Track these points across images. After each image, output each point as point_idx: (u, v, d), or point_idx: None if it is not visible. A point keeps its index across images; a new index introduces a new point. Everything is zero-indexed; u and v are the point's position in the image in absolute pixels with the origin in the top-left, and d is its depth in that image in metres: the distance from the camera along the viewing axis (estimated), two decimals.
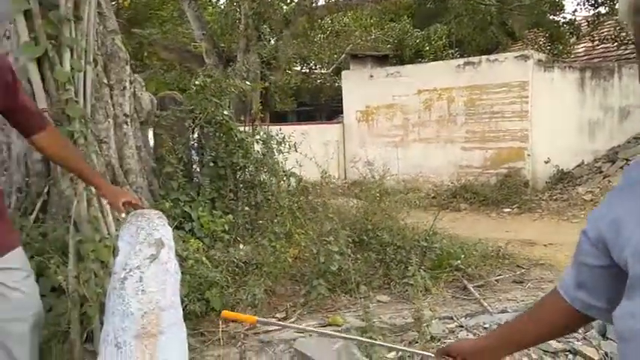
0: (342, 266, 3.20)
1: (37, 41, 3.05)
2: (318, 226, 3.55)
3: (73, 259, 2.75)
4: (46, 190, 3.26)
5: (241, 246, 3.48)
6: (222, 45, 15.90)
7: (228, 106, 3.97)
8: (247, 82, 4.52)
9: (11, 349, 2.08)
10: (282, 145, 4.26)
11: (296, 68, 21.35)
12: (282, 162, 4.21)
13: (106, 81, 3.60)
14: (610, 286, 1.07)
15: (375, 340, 2.30)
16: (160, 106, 4.29)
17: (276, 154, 4.20)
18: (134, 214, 2.32)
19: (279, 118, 18.90)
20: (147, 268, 2.21)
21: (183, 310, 2.81)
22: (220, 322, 2.78)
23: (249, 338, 2.80)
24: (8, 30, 3.22)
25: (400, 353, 2.52)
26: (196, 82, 3.97)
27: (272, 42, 17.57)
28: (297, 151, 4.29)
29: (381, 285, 3.40)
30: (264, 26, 16.39)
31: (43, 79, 3.08)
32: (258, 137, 4.09)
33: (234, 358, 2.68)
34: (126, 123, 3.70)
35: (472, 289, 3.28)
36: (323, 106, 21.79)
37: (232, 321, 2.16)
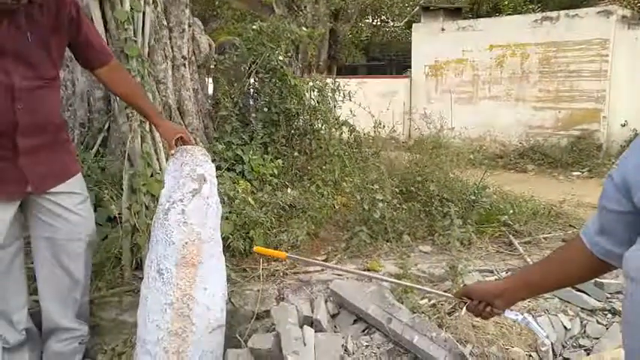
0: (386, 214, 3.21)
1: None
2: (365, 175, 3.56)
3: (127, 191, 2.91)
4: (106, 126, 3.44)
5: (289, 190, 3.55)
6: None
7: (286, 53, 3.97)
8: (304, 29, 4.45)
9: (68, 266, 2.27)
10: (337, 93, 4.24)
11: (367, 21, 20.95)
12: (335, 110, 4.21)
13: (165, 23, 3.69)
14: (630, 233, 1.05)
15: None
16: (219, 51, 4.36)
17: (331, 102, 4.20)
18: (180, 149, 2.41)
19: (350, 72, 18.74)
20: (189, 202, 2.32)
21: (228, 246, 2.95)
22: (261, 260, 2.88)
23: (289, 277, 2.89)
24: None
25: (432, 300, 2.53)
26: (253, 27, 3.99)
27: None
28: (351, 100, 4.27)
29: (424, 236, 3.39)
30: None
31: (104, 18, 3.21)
32: (312, 84, 4.08)
33: (272, 294, 2.78)
34: (184, 65, 3.79)
35: (517, 245, 3.22)
36: (394, 61, 21.35)
37: (264, 255, 2.24)
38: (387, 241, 3.29)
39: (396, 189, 3.53)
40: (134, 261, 2.81)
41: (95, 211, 2.97)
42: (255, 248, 2.10)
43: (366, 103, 4.42)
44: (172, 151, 2.41)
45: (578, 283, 1.52)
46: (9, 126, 1.96)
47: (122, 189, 2.95)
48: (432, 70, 11.53)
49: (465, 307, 1.41)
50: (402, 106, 11.00)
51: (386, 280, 2.38)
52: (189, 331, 2.29)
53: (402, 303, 2.46)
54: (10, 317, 2.22)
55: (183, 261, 2.29)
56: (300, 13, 15.84)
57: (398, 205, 3.41)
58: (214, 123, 3.96)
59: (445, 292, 2.27)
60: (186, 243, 2.29)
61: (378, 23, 21.06)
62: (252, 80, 3.99)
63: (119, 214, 2.89)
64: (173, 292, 2.28)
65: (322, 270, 2.93)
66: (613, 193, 1.06)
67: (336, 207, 3.62)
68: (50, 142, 2.14)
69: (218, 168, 3.58)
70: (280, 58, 3.87)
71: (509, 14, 13.29)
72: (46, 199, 2.15)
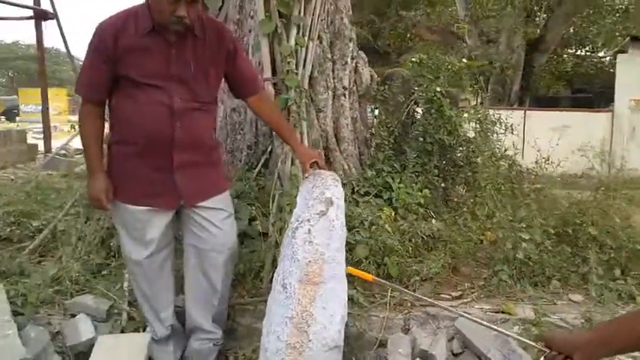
0: (531, 256, 3.00)
1: (270, 19, 3.51)
2: (514, 212, 3.36)
3: (275, 209, 3.17)
4: (269, 148, 3.76)
5: (433, 221, 3.51)
6: (484, 26, 15.52)
7: (445, 84, 3.96)
8: (464, 61, 4.38)
9: (209, 274, 2.51)
10: (498, 125, 4.09)
11: (570, 51, 19.60)
12: (495, 143, 4.06)
13: (329, 56, 3.94)
14: None
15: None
16: (387, 81, 4.50)
17: (490, 134, 4.06)
18: (312, 173, 2.57)
19: (551, 103, 17.64)
20: (316, 222, 2.45)
21: (360, 270, 3.01)
22: (389, 289, 2.89)
23: (416, 308, 2.86)
24: (252, 10, 3.75)
25: None
26: (412, 59, 4.06)
27: (541, 21, 16.45)
28: (513, 133, 4.08)
29: (578, 283, 3.08)
30: (533, 5, 15.47)
31: (272, 52, 3.55)
32: (468, 116, 4.00)
33: (397, 323, 2.78)
34: (344, 95, 4.00)
35: None
36: (601, 93, 19.56)
37: (354, 275, 2.26)
38: (535, 285, 3.08)
39: (551, 230, 3.28)
40: (273, 273, 3.02)
41: (249, 225, 3.29)
42: (347, 268, 2.18)
43: (534, 136, 4.18)
44: (306, 174, 2.58)
45: None
46: (167, 141, 2.27)
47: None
48: (638, 105, 10.39)
49: (543, 358, 1.30)
50: (579, 141, 10.07)
51: (461, 315, 2.23)
52: (306, 346, 2.39)
53: (526, 350, 2.28)
54: (159, 314, 2.55)
55: (305, 278, 2.42)
56: (492, 44, 15.47)
57: (550, 248, 3.16)
58: (369, 150, 4.09)
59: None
60: (309, 261, 2.41)
61: (582, 53, 19.60)
62: (409, 110, 4.03)
63: (267, 229, 3.14)
64: (294, 307, 2.41)
65: (452, 305, 2.84)
66: None
67: (483, 242, 3.47)
68: (202, 161, 2.42)
69: (366, 194, 3.70)
70: (437, 89, 3.86)
71: None
72: (195, 212, 2.42)
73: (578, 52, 20.02)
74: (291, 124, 3.22)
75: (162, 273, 2.52)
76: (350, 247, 3.13)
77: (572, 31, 17.53)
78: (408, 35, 17.01)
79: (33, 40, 9.14)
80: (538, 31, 16.25)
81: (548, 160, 4.17)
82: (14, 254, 3.17)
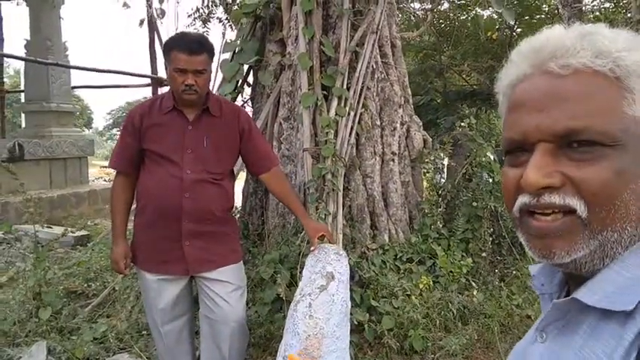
0: None
1: (313, 92, 3.70)
2: None
3: (285, 279, 3.24)
4: None
5: (475, 292, 3.37)
6: None
7: (497, 148, 3.85)
8: None
9: (219, 344, 2.61)
10: None
11: None
12: None
13: (378, 122, 4.02)
14: None
15: None
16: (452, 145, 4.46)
17: None
18: (319, 247, 2.64)
19: None
20: (316, 296, 2.51)
21: (382, 343, 2.99)
22: None
23: None
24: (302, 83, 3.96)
25: None
26: (462, 124, 4.00)
27: None
28: None
29: None
30: None
31: (313, 123, 3.72)
32: None
33: None
34: (393, 160, 4.03)
35: None
36: None
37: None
38: None
39: None
40: None
41: (263, 290, 3.39)
42: (289, 355, 2.21)
43: None
44: (312, 248, 2.65)
45: None
46: (176, 210, 2.45)
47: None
48: None
49: None
50: None
51: None
52: None
53: None
54: None
55: (305, 352, 2.47)
56: None
57: None
58: (419, 215, 4.05)
59: None
60: (309, 335, 2.47)
61: None
62: (460, 175, 3.96)
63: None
64: None
65: None
66: None
67: (524, 316, 3.26)
68: (210, 232, 2.54)
69: (409, 261, 3.66)
70: (489, 154, 3.77)
71: None
72: (204, 283, 2.56)
73: None
74: (319, 194, 3.33)
75: (180, 340, 2.67)
76: (378, 319, 3.12)
77: None
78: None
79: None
80: None
81: None
82: (77, 311, 3.54)
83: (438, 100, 11.39)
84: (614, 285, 0.64)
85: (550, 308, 0.71)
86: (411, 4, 12.83)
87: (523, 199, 0.68)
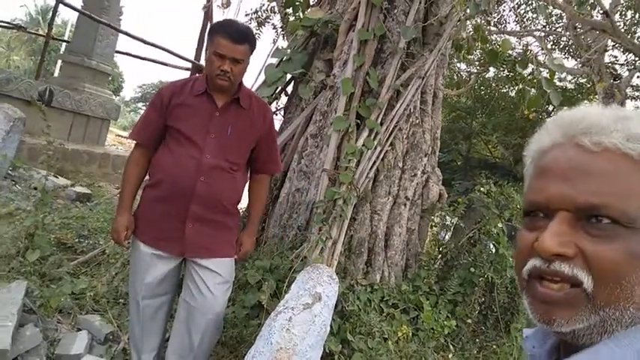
0: None
1: (347, 118, 3.74)
2: None
3: (271, 288, 3.24)
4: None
5: (450, 355, 3.35)
6: None
7: (508, 221, 3.86)
8: None
9: (190, 332, 2.59)
10: None
11: None
12: None
13: (400, 164, 4.06)
14: None
15: None
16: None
17: None
18: (314, 266, 2.66)
19: None
20: (299, 312, 2.51)
21: None
22: None
23: None
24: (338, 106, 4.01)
25: None
26: (480, 189, 4.02)
27: None
28: None
29: None
30: None
31: (339, 147, 3.76)
32: None
33: None
34: (404, 204, 4.05)
35: None
36: None
37: None
38: None
39: None
40: None
41: (246, 293, 3.37)
42: None
43: None
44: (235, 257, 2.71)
45: None
46: (188, 192, 2.46)
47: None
48: None
49: None
50: None
51: None
52: None
53: None
54: (140, 355, 2.68)
55: None
56: None
57: None
58: (416, 265, 4.05)
59: None
60: (280, 348, 2.45)
61: None
62: (466, 237, 3.97)
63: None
64: None
65: None
66: None
67: None
68: (215, 220, 2.56)
69: (394, 306, 3.65)
70: (499, 225, 3.78)
71: None
72: (194, 268, 2.56)
73: None
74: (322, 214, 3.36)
75: (155, 319, 2.66)
76: (349, 353, 3.10)
77: None
78: None
79: None
80: None
81: None
82: (63, 262, 3.55)
83: (459, 163, 11.43)
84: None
85: None
86: (457, 64, 12.99)
87: (534, 262, 0.71)
